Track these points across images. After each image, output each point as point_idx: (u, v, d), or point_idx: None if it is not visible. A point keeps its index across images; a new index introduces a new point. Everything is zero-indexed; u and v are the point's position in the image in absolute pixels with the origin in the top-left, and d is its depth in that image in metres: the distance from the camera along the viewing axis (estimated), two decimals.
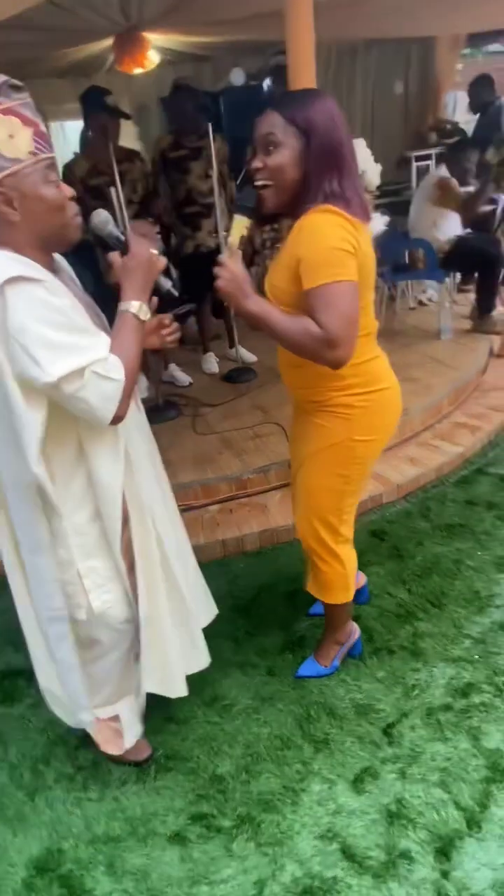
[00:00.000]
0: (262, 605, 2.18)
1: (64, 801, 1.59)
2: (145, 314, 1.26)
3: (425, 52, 5.07)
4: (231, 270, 1.27)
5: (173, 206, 3.21)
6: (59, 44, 3.76)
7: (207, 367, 3.80)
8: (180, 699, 1.62)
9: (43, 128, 1.13)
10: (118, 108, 3.14)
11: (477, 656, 1.86)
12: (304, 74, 1.85)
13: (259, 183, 1.29)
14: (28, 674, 1.99)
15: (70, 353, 1.12)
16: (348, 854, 1.39)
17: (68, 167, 3.09)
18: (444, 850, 1.37)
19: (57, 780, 1.65)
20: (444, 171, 3.70)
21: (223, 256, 1.29)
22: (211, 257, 1.46)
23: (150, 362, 3.12)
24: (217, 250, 3.18)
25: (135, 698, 1.60)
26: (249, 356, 3.76)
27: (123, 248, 1.25)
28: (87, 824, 1.53)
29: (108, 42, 4.29)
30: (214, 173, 3.06)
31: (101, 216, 1.27)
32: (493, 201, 4.09)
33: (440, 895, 1.29)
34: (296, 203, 1.30)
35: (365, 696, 1.77)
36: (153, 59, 3.87)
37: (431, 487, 2.73)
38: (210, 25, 3.40)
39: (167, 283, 1.32)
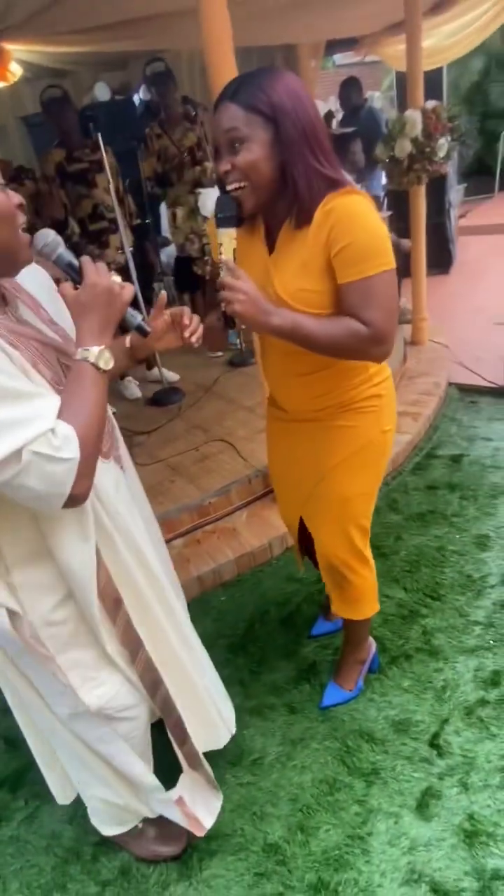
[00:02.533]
0: (258, 638, 2.01)
1: None
2: (107, 363, 0.96)
3: (287, 60, 5.19)
4: (243, 290, 1.09)
5: (77, 222, 2.95)
6: None
7: (129, 392, 3.54)
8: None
9: None
10: None
11: (492, 641, 1.83)
12: (224, 77, 1.72)
13: (232, 186, 1.13)
14: (10, 781, 1.69)
15: (1, 431, 0.83)
16: (441, 892, 1.26)
17: (41, 163, 2.75)
18: None
19: None
20: None
21: (226, 279, 1.09)
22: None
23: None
24: (126, 267, 2.97)
25: (191, 778, 1.37)
26: (173, 375, 3.57)
27: (77, 277, 0.98)
28: None
29: None
30: (112, 186, 2.85)
31: (47, 237, 0.99)
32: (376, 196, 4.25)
33: None
34: (281, 198, 1.15)
35: (399, 711, 1.66)
36: (15, 71, 3.56)
37: (391, 479, 2.71)
38: (77, 34, 3.18)
39: (136, 318, 1.06)
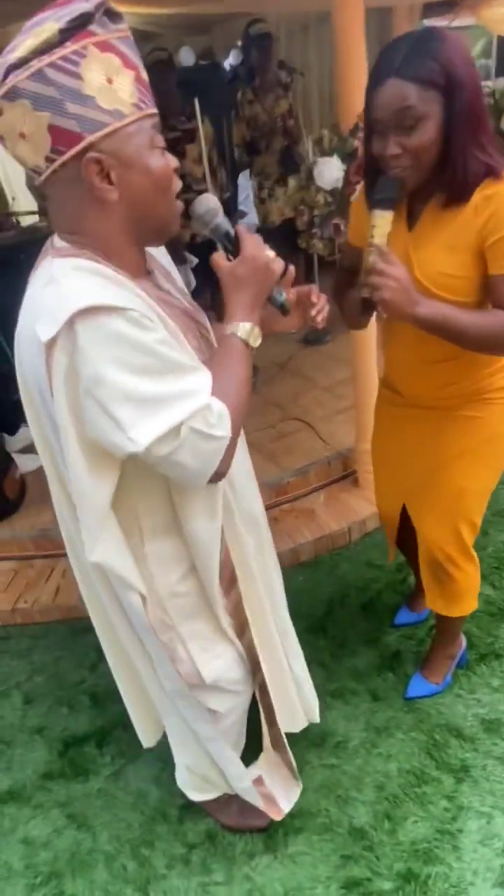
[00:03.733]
0: (338, 622, 1.99)
1: (185, 890, 1.36)
2: (257, 339, 0.94)
3: (382, 24, 4.94)
4: (395, 276, 1.03)
5: None
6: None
7: None
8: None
9: (144, 74, 0.84)
10: None
11: None
12: (353, 37, 1.63)
13: (398, 168, 1.05)
14: (97, 737, 1.75)
15: (162, 408, 0.81)
16: None
17: None
18: None
19: (170, 866, 1.41)
20: None
21: (378, 264, 1.03)
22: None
23: None
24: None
25: (270, 759, 1.38)
26: None
27: (233, 249, 0.94)
28: None
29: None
30: (205, 157, 2.80)
31: (208, 203, 0.95)
32: None
33: None
34: (440, 176, 1.06)
35: (489, 710, 1.62)
36: None
37: None
38: None
39: (282, 294, 1.00)
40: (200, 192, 2.65)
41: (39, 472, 3.00)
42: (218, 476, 0.91)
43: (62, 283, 0.79)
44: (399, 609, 1.96)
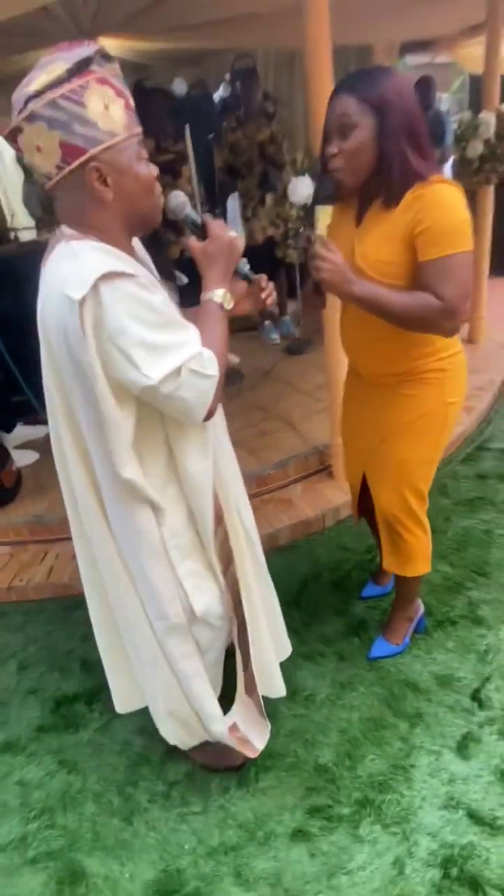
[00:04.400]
0: (311, 597, 2.17)
1: (166, 819, 1.51)
2: (229, 303, 1.18)
3: (362, 61, 5.30)
4: (332, 261, 1.26)
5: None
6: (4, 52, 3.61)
7: None
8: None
9: (131, 102, 1.07)
10: None
11: None
12: (321, 73, 1.88)
13: (335, 167, 1.30)
14: (86, 696, 1.89)
15: (167, 353, 1.04)
16: (476, 818, 1.40)
17: None
18: None
19: (151, 800, 1.56)
20: None
21: (319, 249, 1.27)
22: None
23: None
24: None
25: (244, 705, 1.53)
26: (233, 358, 3.72)
27: (202, 233, 1.18)
28: (200, 838, 1.45)
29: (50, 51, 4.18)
30: (194, 177, 3.04)
31: (178, 198, 1.21)
32: None
33: None
34: (376, 180, 1.30)
35: (443, 668, 1.79)
36: None
37: (443, 466, 2.80)
38: (174, 31, 3.39)
39: (245, 266, 1.26)
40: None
41: (34, 466, 3.18)
42: (211, 413, 1.13)
43: (82, 257, 1.01)
44: (366, 584, 2.15)
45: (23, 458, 3.05)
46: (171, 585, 1.29)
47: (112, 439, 1.10)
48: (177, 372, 1.05)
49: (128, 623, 1.39)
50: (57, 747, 1.74)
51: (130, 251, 1.15)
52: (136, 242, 1.28)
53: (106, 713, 1.82)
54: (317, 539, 2.47)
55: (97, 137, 1.00)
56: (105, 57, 1.02)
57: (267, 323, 4.32)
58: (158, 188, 1.15)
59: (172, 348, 1.05)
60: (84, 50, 0.98)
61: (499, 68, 3.40)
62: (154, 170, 1.13)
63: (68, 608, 2.28)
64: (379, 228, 1.34)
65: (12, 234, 4.90)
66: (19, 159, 6.26)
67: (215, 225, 1.18)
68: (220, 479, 1.33)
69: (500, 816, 1.39)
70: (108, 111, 1.01)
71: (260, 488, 2.67)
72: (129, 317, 1.01)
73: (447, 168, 4.35)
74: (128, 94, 1.06)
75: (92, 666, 1.99)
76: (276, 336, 4.24)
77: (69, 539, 2.60)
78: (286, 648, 1.66)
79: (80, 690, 1.91)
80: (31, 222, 5.75)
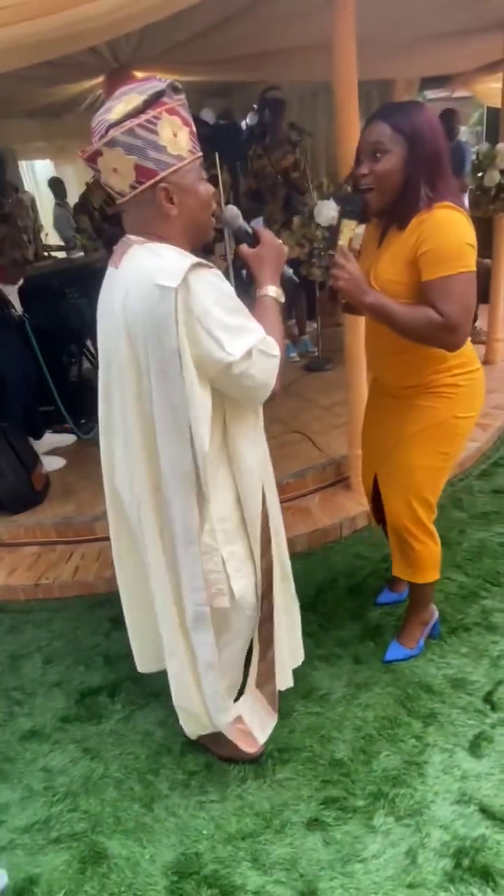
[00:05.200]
0: (327, 602, 2.22)
1: (185, 806, 1.56)
2: (280, 296, 1.34)
3: (384, 94, 5.52)
4: (349, 271, 1.38)
5: None
6: (47, 82, 3.85)
7: None
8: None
9: (194, 128, 1.20)
10: None
11: None
12: (349, 105, 2.03)
13: (365, 187, 1.41)
14: (109, 689, 1.96)
15: (243, 334, 1.18)
16: (488, 813, 1.43)
17: (83, 197, 3.16)
18: None
19: (172, 788, 1.61)
20: None
21: (338, 258, 1.39)
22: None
23: None
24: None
25: (253, 697, 1.59)
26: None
27: (253, 240, 1.34)
28: (218, 824, 1.50)
29: (86, 83, 4.43)
30: (223, 200, 3.20)
31: (232, 211, 1.36)
32: None
33: None
34: (396, 205, 1.41)
35: (456, 671, 1.83)
36: None
37: (458, 481, 2.88)
38: (206, 65, 3.60)
39: (289, 270, 1.41)
40: (218, 230, 3.11)
41: (61, 471, 3.29)
42: (274, 393, 1.26)
43: (165, 255, 1.16)
44: (381, 591, 2.20)
45: (51, 464, 3.17)
46: (211, 570, 1.36)
47: (198, 416, 1.21)
48: (249, 353, 1.18)
49: (163, 615, 1.45)
50: (80, 737, 1.80)
51: None
52: None
53: (128, 705, 1.89)
54: (333, 547, 2.53)
55: (167, 161, 1.14)
56: (175, 89, 1.15)
57: (286, 341, 4.45)
58: (214, 204, 1.29)
59: (246, 331, 1.19)
60: (157, 84, 1.12)
61: None
62: (211, 188, 1.26)
63: (93, 606, 2.36)
64: (391, 250, 1.45)
65: (46, 253, 5.12)
66: (53, 181, 6.54)
67: (266, 233, 1.35)
68: (265, 464, 1.43)
69: None
70: (177, 138, 1.14)
71: (279, 497, 2.74)
72: (212, 302, 1.14)
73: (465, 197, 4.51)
74: (191, 121, 1.19)
75: (115, 661, 2.07)
76: (294, 354, 4.37)
77: (95, 540, 2.73)
78: (299, 655, 1.71)
79: (104, 683, 1.98)
80: (60, 243, 6.00)
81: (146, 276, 1.15)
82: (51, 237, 6.13)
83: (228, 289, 1.19)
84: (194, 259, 1.15)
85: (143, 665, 1.70)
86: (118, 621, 2.24)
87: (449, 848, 1.37)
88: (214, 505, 1.32)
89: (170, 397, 1.20)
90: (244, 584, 1.40)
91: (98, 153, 1.14)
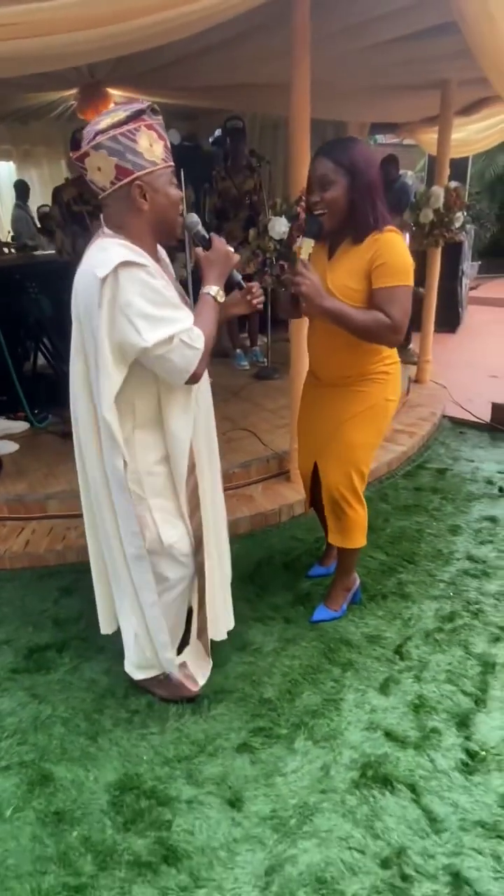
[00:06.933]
0: (264, 574, 2.45)
1: (127, 738, 1.72)
2: (221, 297, 1.55)
3: (339, 132, 6.00)
4: (310, 278, 1.64)
5: None
6: (24, 88, 4.03)
7: None
8: (213, 648, 1.86)
9: (168, 143, 1.44)
10: None
11: (451, 593, 2.28)
12: (301, 138, 2.34)
13: (318, 212, 1.68)
14: (58, 646, 2.10)
15: (162, 324, 1.36)
16: (391, 736, 1.68)
17: (57, 190, 3.33)
18: (463, 723, 1.71)
19: (115, 724, 1.77)
20: None
21: (300, 269, 1.64)
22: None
23: None
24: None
25: (195, 647, 1.80)
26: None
27: (207, 245, 1.54)
28: (157, 751, 1.67)
29: (61, 93, 4.64)
30: (184, 211, 3.46)
31: (192, 218, 1.57)
32: None
33: (468, 753, 1.62)
34: (347, 224, 1.69)
35: (373, 629, 2.09)
36: None
37: (385, 479, 3.19)
38: (176, 90, 3.88)
39: (238, 276, 1.61)
40: (181, 241, 3.46)
41: (14, 455, 3.39)
42: (194, 378, 1.44)
43: (110, 250, 1.36)
44: (313, 566, 2.45)
45: (4, 448, 3.27)
46: (142, 516, 1.57)
47: (102, 385, 1.41)
48: (169, 339, 1.37)
49: (109, 550, 1.65)
50: (29, 685, 1.93)
51: (153, 252, 1.49)
52: (161, 250, 1.63)
53: (76, 658, 2.03)
54: (272, 530, 2.77)
55: (142, 164, 1.37)
56: (154, 111, 1.40)
57: (238, 351, 4.74)
58: (181, 206, 1.51)
59: (167, 321, 1.37)
60: (139, 104, 1.37)
61: (449, 153, 4.03)
62: (179, 192, 1.49)
63: (42, 576, 2.49)
64: (346, 261, 1.72)
65: (6, 249, 5.22)
66: (18, 183, 6.63)
67: (218, 239, 1.54)
68: (197, 436, 1.63)
69: (410, 735, 1.68)
70: (152, 148, 1.38)
71: (225, 484, 2.96)
72: (136, 294, 1.34)
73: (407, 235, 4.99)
74: (166, 138, 1.44)
75: (63, 623, 2.21)
76: (245, 363, 4.65)
77: (46, 517, 2.86)
78: (229, 621, 1.92)
79: (52, 641, 2.11)
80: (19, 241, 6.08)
81: (90, 267, 1.36)
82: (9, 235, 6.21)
83: (156, 283, 1.37)
84: (129, 257, 1.34)
85: (107, 625, 1.85)
86: (68, 590, 2.40)
87: (357, 763, 1.61)
88: (141, 458, 1.53)
89: (94, 369, 1.41)
90: (173, 533, 1.61)
91: (86, 154, 1.37)
